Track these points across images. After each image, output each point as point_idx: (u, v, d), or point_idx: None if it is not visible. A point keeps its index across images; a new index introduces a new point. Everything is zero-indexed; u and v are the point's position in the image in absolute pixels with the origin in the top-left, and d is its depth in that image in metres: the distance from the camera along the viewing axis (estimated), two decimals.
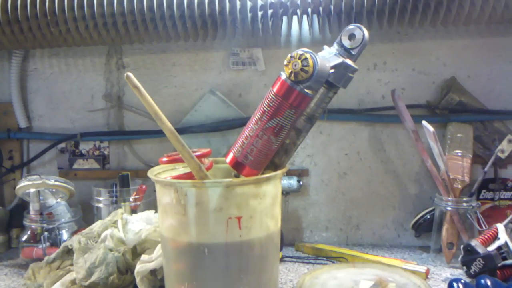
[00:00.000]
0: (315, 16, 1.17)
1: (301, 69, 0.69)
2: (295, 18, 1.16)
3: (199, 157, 0.79)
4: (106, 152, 1.38)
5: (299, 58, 0.69)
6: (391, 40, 1.24)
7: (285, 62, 0.71)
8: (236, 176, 0.80)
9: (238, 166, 0.77)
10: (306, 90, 0.71)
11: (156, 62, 1.34)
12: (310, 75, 0.69)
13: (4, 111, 1.40)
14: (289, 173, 1.26)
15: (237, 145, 0.77)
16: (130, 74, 0.64)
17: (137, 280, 0.92)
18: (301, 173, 1.29)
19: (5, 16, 1.17)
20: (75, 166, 1.39)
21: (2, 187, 1.42)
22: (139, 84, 0.65)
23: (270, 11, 1.12)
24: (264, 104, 0.74)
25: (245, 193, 0.75)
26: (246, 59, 1.29)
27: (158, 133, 1.33)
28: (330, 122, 1.28)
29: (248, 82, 1.31)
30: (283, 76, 0.72)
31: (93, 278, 0.92)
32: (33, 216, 1.20)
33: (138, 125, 1.36)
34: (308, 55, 0.69)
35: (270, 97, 0.73)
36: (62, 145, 1.39)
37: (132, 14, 1.13)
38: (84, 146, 1.39)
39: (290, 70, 0.70)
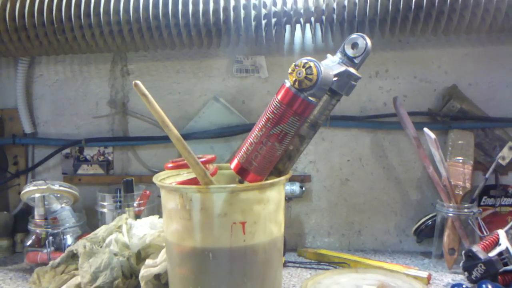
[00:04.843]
0: (318, 25, 1.19)
1: (305, 77, 0.70)
2: (298, 26, 1.18)
3: (204, 163, 0.80)
4: (110, 158, 1.40)
5: (303, 67, 0.71)
6: (393, 48, 1.26)
7: (290, 70, 0.72)
8: (241, 182, 0.81)
9: (242, 172, 0.79)
10: (310, 97, 0.73)
11: (160, 69, 1.35)
12: (314, 83, 0.71)
13: (9, 117, 1.42)
14: (291, 179, 1.27)
15: (241, 151, 0.79)
16: (138, 82, 0.66)
17: (142, 284, 0.93)
18: (303, 179, 1.30)
19: (12, 24, 1.18)
20: (80, 171, 1.41)
21: (7, 192, 1.44)
22: (147, 92, 0.67)
23: (273, 20, 1.14)
24: (269, 111, 0.75)
25: (249, 198, 0.76)
26: (250, 67, 1.30)
27: (162, 139, 1.34)
28: (332, 129, 1.29)
29: (251, 89, 1.32)
30: (288, 84, 0.73)
31: (98, 282, 0.93)
32: (37, 221, 1.21)
33: (142, 131, 1.37)
34: (312, 64, 0.70)
35: (275, 104, 0.75)
36: (67, 150, 1.40)
37: (138, 22, 1.15)
38: (89, 152, 1.40)
39: (294, 78, 0.72)
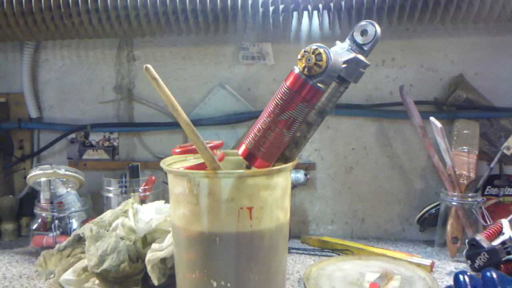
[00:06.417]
0: (325, 12, 1.18)
1: (315, 64, 0.70)
2: (305, 13, 1.17)
3: (211, 148, 0.80)
4: (115, 143, 1.40)
5: (313, 53, 0.70)
6: (400, 37, 1.25)
7: (299, 57, 0.72)
8: (248, 168, 0.81)
9: (250, 158, 0.79)
10: (318, 84, 0.73)
11: (166, 55, 1.35)
12: (323, 70, 0.71)
13: (15, 102, 1.42)
14: (296, 167, 1.26)
15: (249, 137, 0.79)
16: (149, 66, 0.66)
17: (148, 268, 0.94)
18: (308, 167, 1.31)
19: (19, 8, 1.18)
20: (85, 156, 1.41)
21: (12, 176, 1.44)
22: (157, 76, 0.67)
23: (281, 7, 1.13)
24: (277, 98, 0.75)
25: (256, 184, 0.77)
26: (256, 54, 1.30)
27: (167, 125, 1.35)
28: (337, 117, 1.30)
29: (257, 76, 1.32)
30: (297, 70, 0.73)
31: (105, 265, 0.93)
32: (43, 205, 1.22)
33: (147, 117, 1.38)
34: (322, 50, 0.70)
35: (283, 90, 0.75)
36: (72, 135, 1.41)
37: (145, 8, 1.14)
38: (94, 137, 1.41)
39: (303, 65, 0.71)
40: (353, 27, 0.79)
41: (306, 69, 0.71)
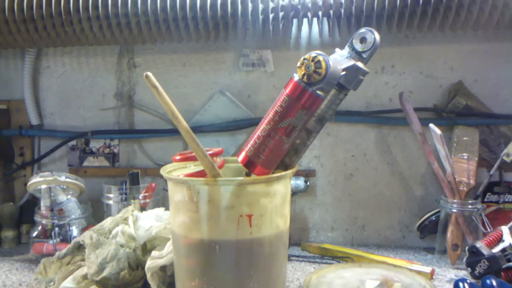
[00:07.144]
0: (325, 19, 1.19)
1: (314, 71, 0.71)
2: (305, 21, 1.18)
3: (211, 155, 0.80)
4: (116, 150, 1.40)
5: (312, 60, 0.71)
6: (399, 44, 1.26)
7: (298, 64, 0.72)
8: (248, 175, 0.81)
9: (250, 165, 0.79)
10: (318, 91, 0.73)
11: (166, 62, 1.36)
12: (322, 77, 0.71)
13: (16, 108, 1.42)
14: (296, 174, 1.25)
15: (249, 145, 0.79)
16: (149, 73, 0.66)
17: (148, 276, 0.93)
18: (308, 174, 1.31)
19: (20, 15, 1.19)
20: (85, 163, 1.41)
21: (13, 183, 1.44)
22: (157, 84, 0.67)
23: (281, 14, 1.14)
24: (277, 105, 0.75)
25: (256, 191, 0.77)
26: (256, 61, 1.31)
27: (168, 132, 1.35)
28: (337, 124, 1.30)
29: (257, 83, 1.32)
30: (296, 77, 0.73)
31: (105, 273, 0.93)
32: (44, 212, 1.22)
33: (148, 124, 1.38)
34: (321, 58, 0.70)
35: (283, 98, 0.75)
36: (73, 142, 1.41)
37: (146, 15, 1.15)
38: (95, 144, 1.41)
39: (303, 72, 0.72)
40: (353, 34, 0.80)
41: (305, 77, 0.72)
